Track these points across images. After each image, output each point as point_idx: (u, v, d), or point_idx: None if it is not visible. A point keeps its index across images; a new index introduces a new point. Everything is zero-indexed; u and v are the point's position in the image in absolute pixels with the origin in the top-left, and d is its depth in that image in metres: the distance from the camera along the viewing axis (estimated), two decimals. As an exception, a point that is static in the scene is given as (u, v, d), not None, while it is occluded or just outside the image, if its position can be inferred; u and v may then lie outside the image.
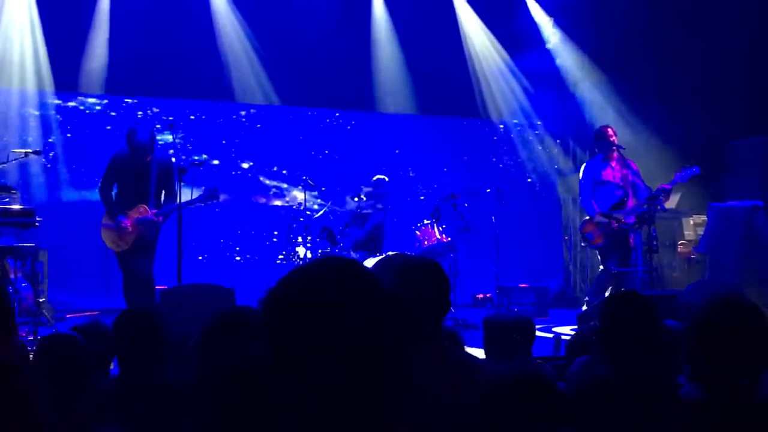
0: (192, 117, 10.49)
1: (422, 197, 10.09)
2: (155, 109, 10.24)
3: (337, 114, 11.14)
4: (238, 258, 10.21)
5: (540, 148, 11.96)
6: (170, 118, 9.26)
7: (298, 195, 9.45)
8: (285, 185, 10.63)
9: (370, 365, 1.53)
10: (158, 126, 8.91)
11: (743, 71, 10.02)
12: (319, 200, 9.30)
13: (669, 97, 10.65)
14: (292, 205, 9.35)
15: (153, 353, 3.18)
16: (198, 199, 7.31)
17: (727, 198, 9.78)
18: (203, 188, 7.44)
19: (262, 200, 10.45)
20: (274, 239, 10.15)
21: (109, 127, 9.97)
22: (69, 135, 9.98)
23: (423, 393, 2.42)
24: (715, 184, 10.39)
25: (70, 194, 9.82)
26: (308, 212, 9.11)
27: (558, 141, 11.87)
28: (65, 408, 2.73)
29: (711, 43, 9.98)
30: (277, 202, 10.12)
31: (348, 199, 9.38)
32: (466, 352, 3.14)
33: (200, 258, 10.06)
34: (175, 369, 3.06)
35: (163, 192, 7.33)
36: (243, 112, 10.70)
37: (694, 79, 10.48)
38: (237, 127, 10.68)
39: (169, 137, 7.95)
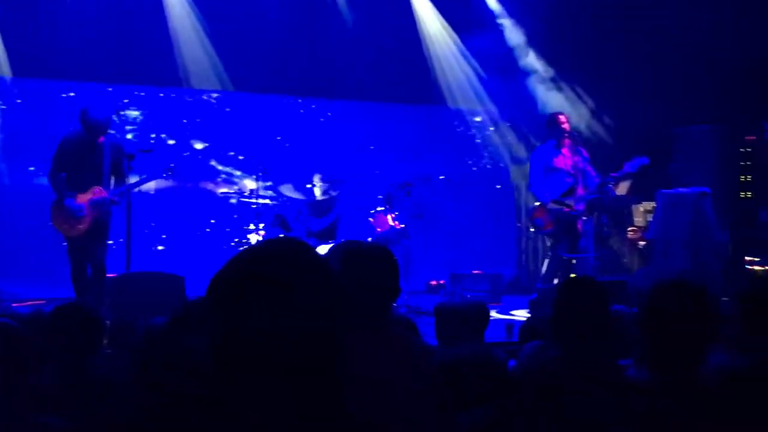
0: (142, 102, 10.26)
1: (376, 184, 10.03)
2: (109, 89, 9.97)
3: (300, 101, 11.02)
4: (187, 245, 10.06)
5: (494, 134, 11.99)
6: (125, 101, 9.04)
7: (249, 183, 9.33)
8: (238, 172, 10.50)
9: (323, 350, 1.48)
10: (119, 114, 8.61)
11: (688, 59, 10.10)
12: (270, 192, 9.19)
13: (618, 84, 10.69)
14: (243, 192, 9.22)
15: (88, 347, 3.13)
16: (152, 177, 7.17)
17: (675, 185, 9.88)
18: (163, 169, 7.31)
19: (210, 186, 10.32)
20: (227, 228, 10.03)
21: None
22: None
23: (372, 380, 2.40)
24: (664, 171, 10.41)
25: (10, 179, 9.52)
26: (260, 200, 9.00)
27: (512, 127, 11.91)
28: (1, 397, 2.67)
29: (657, 31, 10.03)
30: (227, 189, 9.99)
31: (289, 188, 9.27)
32: (417, 338, 3.10)
33: (153, 248, 9.90)
34: (114, 360, 2.99)
35: (114, 175, 7.15)
36: (205, 97, 10.54)
37: (642, 67, 10.51)
38: (192, 113, 10.49)
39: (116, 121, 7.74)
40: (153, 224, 9.85)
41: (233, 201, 9.73)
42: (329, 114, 11.24)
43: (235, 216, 9.32)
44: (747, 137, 10.12)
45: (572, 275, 7.88)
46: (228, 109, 10.63)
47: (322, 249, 8.17)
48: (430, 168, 10.42)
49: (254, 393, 1.45)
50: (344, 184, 9.49)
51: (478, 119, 11.93)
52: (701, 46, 9.95)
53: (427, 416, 2.52)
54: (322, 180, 9.28)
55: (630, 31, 10.50)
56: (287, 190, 9.34)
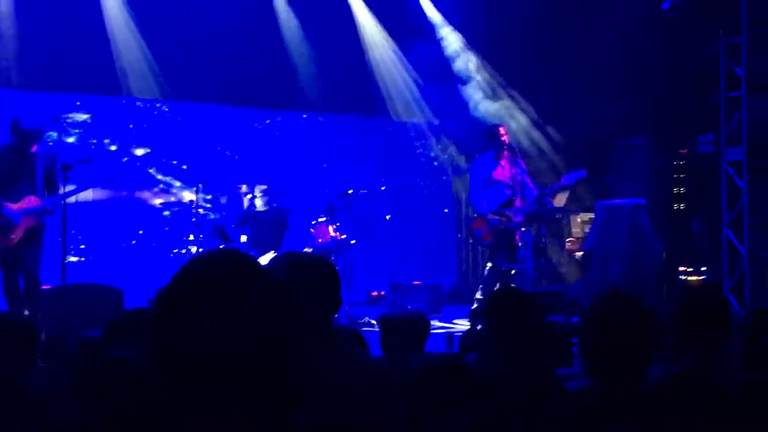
0: (83, 112, 10.08)
1: (317, 195, 10.03)
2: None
3: (242, 111, 10.95)
4: (126, 257, 9.90)
5: (436, 145, 12.05)
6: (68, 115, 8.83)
7: (188, 195, 9.22)
8: (178, 183, 10.37)
9: (275, 357, 1.46)
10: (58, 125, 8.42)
11: (629, 71, 10.23)
12: (209, 205, 9.11)
13: (559, 95, 10.82)
14: (182, 202, 9.11)
15: (22, 360, 3.04)
16: (84, 187, 7.03)
17: (613, 196, 10.01)
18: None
19: (147, 195, 10.17)
20: (163, 239, 9.89)
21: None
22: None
23: (326, 387, 2.39)
24: (602, 182, 10.56)
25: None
26: (200, 210, 8.91)
27: (452, 138, 11.94)
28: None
29: (599, 43, 10.13)
30: (164, 199, 9.85)
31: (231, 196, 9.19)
32: (360, 349, 3.08)
33: (84, 258, 9.73)
34: (50, 372, 2.92)
35: (47, 185, 6.96)
36: (140, 104, 10.43)
37: (584, 78, 10.65)
38: (136, 120, 10.38)
39: (54, 133, 7.61)
40: (80, 236, 9.72)
41: (166, 213, 9.58)
42: (268, 122, 11.23)
43: (166, 229, 9.15)
44: (680, 150, 10.31)
45: (509, 286, 7.95)
46: (174, 118, 10.55)
47: (264, 260, 8.16)
48: (372, 178, 10.51)
49: (206, 402, 1.43)
50: (285, 195, 9.48)
51: (419, 129, 12.04)
52: (642, 58, 10.08)
53: (388, 425, 2.52)
54: (263, 191, 9.20)
55: (572, 41, 10.62)
56: (228, 201, 9.25)
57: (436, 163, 12.12)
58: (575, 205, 10.17)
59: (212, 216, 9.23)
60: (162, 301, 1.48)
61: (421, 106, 11.69)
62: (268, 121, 11.14)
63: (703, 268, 9.67)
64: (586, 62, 10.51)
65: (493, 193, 8.46)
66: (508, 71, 11.34)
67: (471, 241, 9.12)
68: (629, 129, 10.53)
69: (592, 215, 9.85)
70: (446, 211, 12.11)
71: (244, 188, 9.15)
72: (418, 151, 12.06)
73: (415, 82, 11.60)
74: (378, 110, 11.54)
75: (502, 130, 8.62)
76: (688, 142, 10.30)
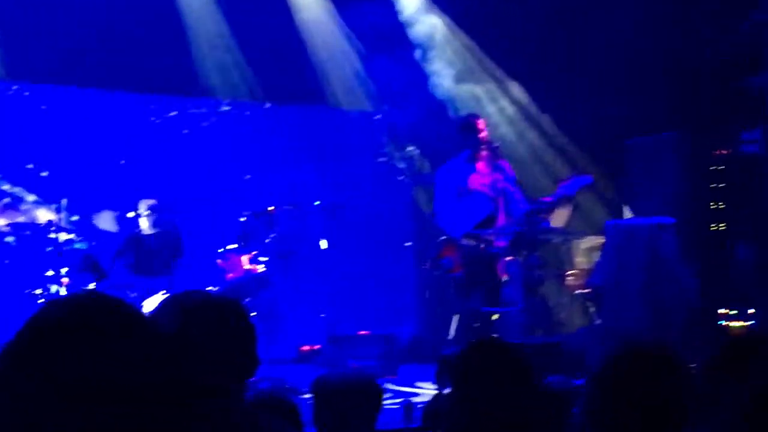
0: None
1: (226, 212, 10.04)
2: None
3: (146, 100, 11.10)
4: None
5: (390, 145, 12.21)
6: None
7: (45, 213, 9.09)
8: (31, 197, 10.20)
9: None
10: None
11: (644, 55, 10.44)
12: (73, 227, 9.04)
13: (558, 83, 11.09)
14: (36, 223, 8.98)
15: None
16: None
17: (628, 214, 10.18)
18: None
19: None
20: (9, 274, 9.69)
21: None
22: None
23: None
24: (614, 195, 10.72)
25: None
26: (62, 235, 8.83)
27: (413, 135, 12.06)
28: None
29: (606, 25, 10.37)
30: (12, 219, 9.65)
31: (105, 219, 9.10)
32: (289, 428, 3.08)
33: None
34: None
35: None
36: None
37: (589, 64, 10.90)
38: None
39: None
40: None
41: (10, 240, 9.39)
42: (174, 114, 11.31)
43: (6, 262, 9.00)
44: (718, 151, 10.41)
45: (490, 336, 8.02)
46: (29, 104, 10.55)
47: (151, 303, 8.15)
48: (302, 190, 10.49)
49: None
50: (181, 213, 9.55)
51: (367, 121, 12.09)
52: (660, 41, 10.35)
53: None
54: (151, 207, 9.21)
55: (575, 23, 10.90)
56: (103, 222, 9.17)
57: (390, 168, 12.19)
58: (579, 225, 10.26)
59: (79, 244, 9.09)
60: (20, 343, 1.61)
61: (369, 91, 11.82)
62: (175, 113, 11.27)
63: (751, 310, 9.72)
64: (591, 44, 10.75)
65: (468, 208, 8.56)
66: (490, 41, 11.47)
67: (437, 273, 9.10)
68: (647, 125, 10.74)
69: (601, 239, 9.92)
70: (405, 238, 12.20)
71: (142, 207, 9.24)
72: (365, 152, 12.14)
73: (360, 56, 11.68)
74: (312, 96, 11.64)
75: (480, 124, 8.72)
76: (728, 140, 10.46)
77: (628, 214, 10.47)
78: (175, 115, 11.34)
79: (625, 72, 10.71)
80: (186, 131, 11.36)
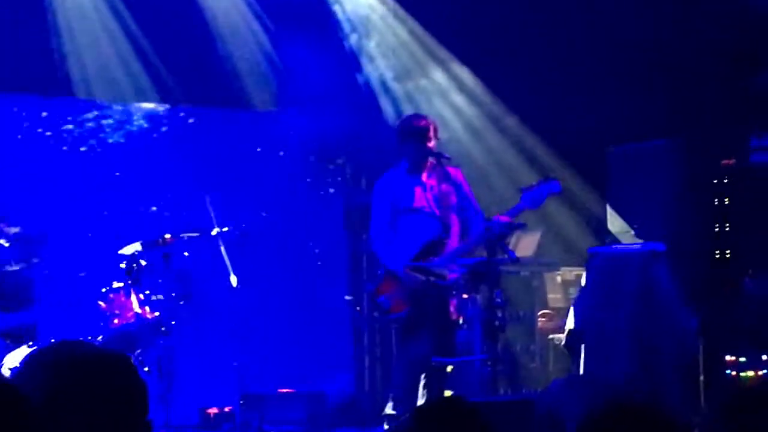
0: None
1: (109, 243, 9.92)
2: None
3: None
4: None
5: (316, 157, 12.19)
6: None
7: None
8: None
9: None
10: None
11: (632, 48, 10.74)
12: None
13: (529, 82, 11.23)
14: None
15: None
16: None
17: (613, 238, 10.28)
18: None
19: None
20: None
21: None
22: None
23: None
24: (596, 215, 10.79)
25: None
26: None
27: (342, 144, 12.04)
28: None
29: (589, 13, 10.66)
30: None
31: None
32: None
33: None
34: None
35: None
36: None
37: (565, 57, 11.14)
38: None
39: None
40: None
41: None
42: (45, 115, 11.28)
43: None
44: (722, 161, 10.41)
45: (443, 394, 8.28)
46: None
47: (15, 357, 8.20)
48: (206, 214, 10.18)
49: None
50: (48, 243, 9.36)
51: (284, 126, 12.06)
52: (651, 31, 10.55)
53: None
54: (7, 237, 9.06)
55: (551, 7, 11.16)
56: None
57: (316, 184, 12.23)
58: (553, 252, 10.48)
59: None
60: None
61: (288, 89, 11.85)
62: (45, 114, 11.25)
63: (765, 357, 9.67)
64: (571, 33, 11.02)
65: (410, 231, 8.52)
66: (441, 24, 11.60)
67: (376, 314, 9.03)
68: (634, 129, 10.84)
69: (580, 271, 10.01)
70: (337, 271, 12.20)
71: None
72: (285, 165, 12.15)
73: (275, 43, 11.70)
74: (218, 96, 11.72)
75: (426, 124, 8.66)
76: (734, 147, 10.49)
77: (625, 235, 10.39)
78: (46, 122, 11.29)
79: (609, 67, 10.89)
80: (64, 147, 11.32)
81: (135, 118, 11.60)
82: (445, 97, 11.68)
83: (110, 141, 11.41)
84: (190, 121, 11.57)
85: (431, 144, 8.56)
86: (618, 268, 9.10)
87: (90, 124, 11.42)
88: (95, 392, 2.73)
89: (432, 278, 8.32)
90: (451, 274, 8.39)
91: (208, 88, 11.69)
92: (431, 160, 8.54)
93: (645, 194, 10.74)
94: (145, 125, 11.56)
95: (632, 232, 10.52)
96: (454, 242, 8.46)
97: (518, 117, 11.46)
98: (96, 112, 11.52)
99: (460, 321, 8.72)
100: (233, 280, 9.66)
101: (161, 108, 11.69)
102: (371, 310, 11.22)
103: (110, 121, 11.57)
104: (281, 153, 12.10)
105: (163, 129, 11.44)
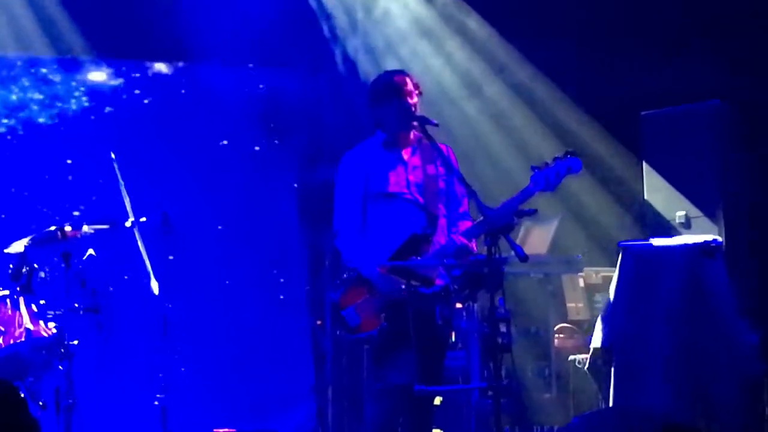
0: None
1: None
2: None
3: None
4: None
5: (272, 124, 12.47)
6: None
7: None
8: None
9: None
10: None
11: None
12: None
13: (546, 32, 11.69)
14: None
15: None
16: None
17: (651, 230, 10.20)
18: None
19: None
20: None
21: None
22: None
23: None
24: (630, 200, 10.91)
25: None
26: None
27: (308, 109, 12.25)
28: None
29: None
30: None
31: None
32: None
33: None
34: None
35: None
36: None
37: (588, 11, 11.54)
38: None
39: None
40: None
41: None
42: None
43: None
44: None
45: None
46: None
47: None
48: (120, 201, 10.15)
49: None
50: None
51: (227, 85, 12.26)
52: None
53: None
54: None
55: None
56: None
57: (267, 161, 12.52)
58: (573, 248, 10.73)
59: None
60: None
61: (217, 38, 11.84)
62: None
63: None
64: None
65: (386, 223, 8.52)
66: None
67: (340, 332, 8.92)
68: (674, 91, 11.03)
69: (610, 272, 10.00)
70: (294, 274, 12.58)
71: None
72: (231, 135, 12.45)
73: None
74: (141, 46, 11.95)
75: (405, 83, 8.66)
76: None
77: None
78: None
79: (639, 18, 11.43)
80: None
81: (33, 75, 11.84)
82: (438, 47, 11.87)
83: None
84: (92, 77, 11.57)
85: (411, 102, 8.47)
86: (658, 269, 9.09)
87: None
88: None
89: (414, 283, 8.20)
90: (439, 278, 8.29)
91: (133, 37, 11.93)
92: (413, 128, 8.45)
93: (687, 168, 10.81)
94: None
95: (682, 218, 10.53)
96: (441, 238, 8.34)
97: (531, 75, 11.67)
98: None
99: (452, 338, 8.72)
100: (154, 286, 9.55)
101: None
102: (335, 327, 11.20)
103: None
104: (214, 122, 12.21)
105: (58, 89, 11.43)
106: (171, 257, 9.79)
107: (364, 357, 10.71)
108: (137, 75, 12.04)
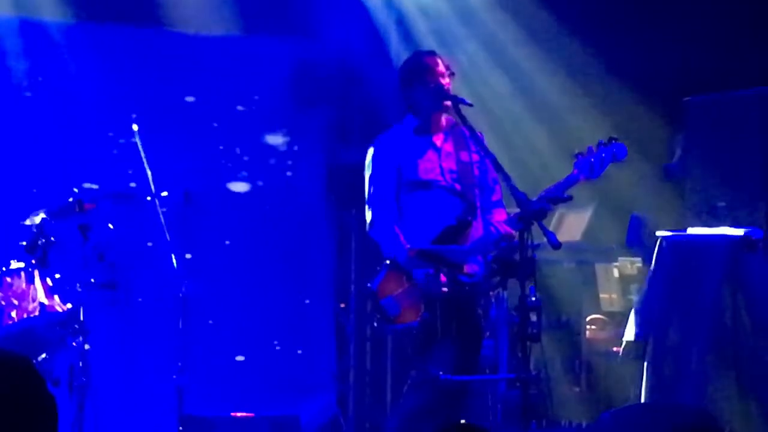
0: None
1: (10, 210, 10.14)
2: None
3: None
4: None
5: (296, 99, 12.34)
6: None
7: None
8: None
9: None
10: None
11: None
12: None
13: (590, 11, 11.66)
14: None
15: None
16: None
17: (690, 218, 10.05)
18: None
19: None
20: None
21: None
22: None
23: None
24: (668, 187, 10.79)
25: None
26: None
27: (338, 85, 12.16)
28: None
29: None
30: None
31: None
32: None
33: None
34: None
35: None
36: None
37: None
38: None
39: None
40: None
41: None
42: None
43: None
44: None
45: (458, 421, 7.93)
46: None
47: None
48: (139, 173, 10.28)
49: None
50: None
51: (236, 58, 12.20)
52: None
53: None
54: None
55: None
56: None
57: (287, 143, 12.48)
58: (608, 236, 10.75)
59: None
60: None
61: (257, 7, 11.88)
62: None
63: None
64: None
65: (420, 210, 8.54)
66: None
67: (377, 323, 8.89)
68: (719, 75, 10.93)
69: (641, 263, 10.19)
70: (320, 257, 12.48)
71: None
72: (244, 110, 12.34)
73: None
74: (149, 13, 11.69)
75: (436, 63, 8.66)
76: None
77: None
78: None
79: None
80: None
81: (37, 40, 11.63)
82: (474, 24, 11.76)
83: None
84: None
85: (444, 83, 8.44)
86: (697, 261, 9.18)
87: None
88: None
89: (450, 272, 8.20)
90: (474, 266, 8.28)
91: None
92: (446, 110, 8.41)
93: (733, 157, 10.64)
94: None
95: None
96: (478, 227, 8.34)
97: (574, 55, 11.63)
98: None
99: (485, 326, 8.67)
100: (173, 261, 9.57)
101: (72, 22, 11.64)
102: (363, 316, 11.33)
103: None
104: (249, 96, 12.11)
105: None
106: (191, 235, 9.82)
107: (390, 344, 10.73)
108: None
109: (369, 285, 8.72)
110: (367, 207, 8.84)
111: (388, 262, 8.52)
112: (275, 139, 12.30)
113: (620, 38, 11.46)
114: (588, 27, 11.62)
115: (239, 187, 12.02)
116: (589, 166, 8.10)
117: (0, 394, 2.87)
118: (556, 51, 11.73)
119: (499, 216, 8.38)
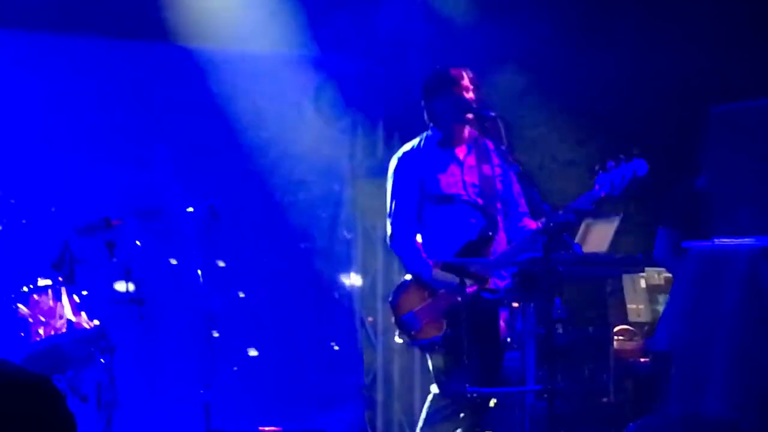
0: None
1: (28, 226, 9.93)
2: None
3: None
4: None
5: (312, 115, 12.26)
6: None
7: None
8: None
9: None
10: None
11: None
12: None
13: (611, 24, 11.50)
14: None
15: None
16: None
17: (715, 229, 9.92)
18: None
19: None
20: None
21: None
22: None
23: None
24: (691, 197, 10.74)
25: None
26: None
27: (364, 99, 12.20)
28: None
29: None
30: None
31: None
32: None
33: None
34: None
35: None
36: None
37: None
38: None
39: None
40: None
41: None
42: None
43: None
44: None
45: None
46: None
47: None
48: (164, 190, 10.47)
49: None
50: None
51: (280, 82, 11.97)
52: None
53: None
54: None
55: None
56: None
57: (311, 153, 12.26)
58: (633, 248, 10.53)
59: None
60: None
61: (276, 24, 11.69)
62: None
63: None
64: None
65: (443, 223, 8.64)
66: None
67: (400, 339, 9.06)
68: (745, 85, 10.82)
69: (667, 273, 10.23)
70: (333, 263, 12.44)
71: None
72: (267, 127, 12.14)
73: None
74: (166, 30, 11.58)
75: (461, 77, 8.73)
76: None
77: None
78: None
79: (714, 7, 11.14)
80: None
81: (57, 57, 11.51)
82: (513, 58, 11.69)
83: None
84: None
85: (468, 95, 8.54)
86: (720, 270, 9.04)
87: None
88: (9, 428, 2.80)
89: (474, 286, 8.33)
90: (497, 280, 8.44)
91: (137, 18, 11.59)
92: (468, 122, 8.52)
93: (759, 168, 10.66)
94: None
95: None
96: (501, 240, 8.47)
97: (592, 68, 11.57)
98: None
99: (507, 340, 8.77)
100: (199, 276, 9.66)
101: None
102: (388, 332, 11.38)
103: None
104: (264, 109, 12.05)
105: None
106: (217, 249, 9.89)
107: (417, 362, 10.81)
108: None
109: (390, 300, 8.84)
110: (388, 220, 8.96)
111: (409, 277, 8.64)
112: (299, 152, 12.14)
113: (648, 48, 11.36)
114: (616, 37, 11.47)
115: (265, 201, 11.90)
116: (610, 183, 8.22)
117: (19, 414, 2.87)
118: (584, 57, 11.60)
119: (530, 224, 8.47)
